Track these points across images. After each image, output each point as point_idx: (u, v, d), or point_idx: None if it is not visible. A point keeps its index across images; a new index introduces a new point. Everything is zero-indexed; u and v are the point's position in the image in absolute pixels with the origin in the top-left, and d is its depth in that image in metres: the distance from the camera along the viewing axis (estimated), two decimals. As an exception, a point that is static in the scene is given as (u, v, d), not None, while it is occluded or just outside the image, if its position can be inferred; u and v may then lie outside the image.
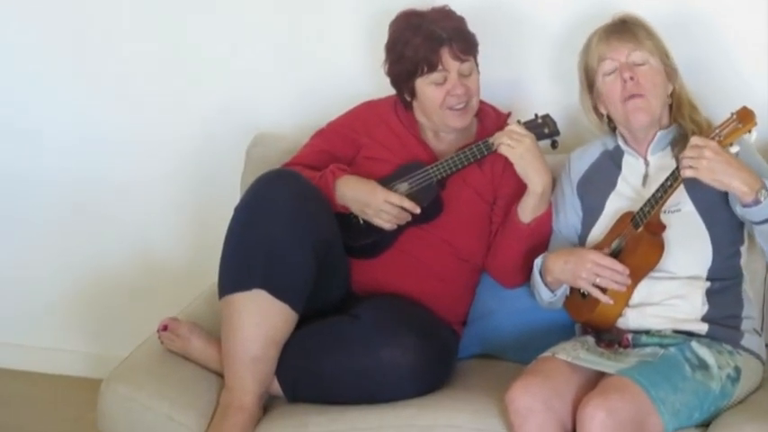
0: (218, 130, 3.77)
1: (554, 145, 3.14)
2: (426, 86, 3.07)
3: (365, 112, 3.26)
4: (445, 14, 3.10)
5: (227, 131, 3.74)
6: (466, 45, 3.07)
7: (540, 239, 3.07)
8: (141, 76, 3.82)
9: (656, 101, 2.90)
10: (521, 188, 3.04)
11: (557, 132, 3.12)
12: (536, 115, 3.13)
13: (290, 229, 2.88)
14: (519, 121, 3.07)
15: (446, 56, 3.04)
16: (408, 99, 3.15)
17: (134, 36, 3.80)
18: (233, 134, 3.68)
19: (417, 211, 3.03)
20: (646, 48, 2.89)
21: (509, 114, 3.20)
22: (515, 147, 2.97)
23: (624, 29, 2.89)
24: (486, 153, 3.06)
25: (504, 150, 2.99)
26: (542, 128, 3.10)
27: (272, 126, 3.61)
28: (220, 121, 3.76)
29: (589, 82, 2.98)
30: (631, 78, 2.86)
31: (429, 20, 3.07)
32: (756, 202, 2.69)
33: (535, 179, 2.99)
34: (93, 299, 4.06)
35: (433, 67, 3.04)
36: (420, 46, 3.04)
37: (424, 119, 3.15)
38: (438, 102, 3.07)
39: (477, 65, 3.12)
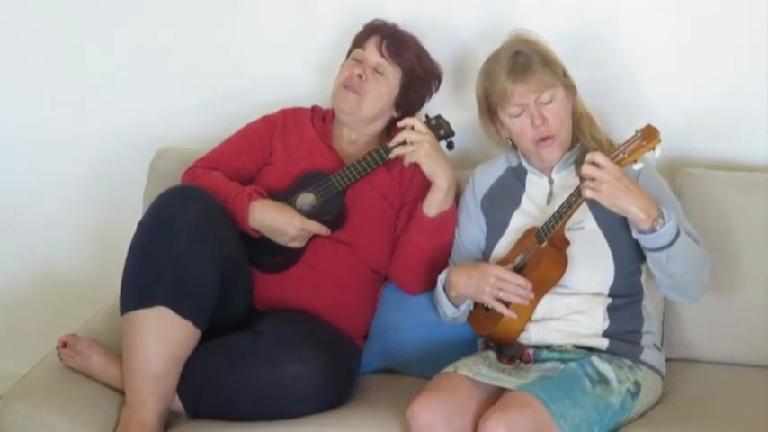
0: (121, 143, 3.72)
1: (450, 146, 3.17)
2: (345, 65, 3.22)
3: (288, 115, 3.31)
4: (402, 32, 3.25)
5: (130, 144, 3.69)
6: (396, 49, 3.17)
7: (444, 237, 3.09)
8: (42, 87, 3.77)
9: (566, 133, 2.94)
10: (425, 194, 3.08)
11: (452, 133, 3.17)
12: (427, 116, 3.18)
13: (194, 247, 2.86)
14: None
15: (372, 43, 3.19)
16: None
17: (37, 43, 3.74)
18: (136, 147, 3.64)
19: (328, 233, 3.05)
20: (549, 84, 2.89)
21: None
22: (418, 149, 3.01)
23: (526, 69, 2.87)
24: (385, 157, 3.09)
25: (410, 158, 3.03)
26: (437, 130, 3.15)
27: (176, 140, 3.57)
28: (124, 133, 3.71)
29: (490, 110, 2.98)
30: (543, 123, 2.88)
31: (389, 24, 3.25)
32: (652, 231, 2.72)
33: (441, 174, 3.03)
34: (-11, 313, 3.98)
35: (358, 45, 3.21)
36: (363, 32, 3.23)
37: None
38: (341, 79, 3.18)
39: (400, 88, 3.19)
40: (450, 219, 3.08)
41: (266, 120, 3.29)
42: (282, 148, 3.23)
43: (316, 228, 3.03)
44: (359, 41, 3.22)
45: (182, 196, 2.96)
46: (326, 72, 3.35)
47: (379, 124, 3.24)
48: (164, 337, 2.85)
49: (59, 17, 3.70)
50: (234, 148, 3.24)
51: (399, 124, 3.08)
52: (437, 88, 3.29)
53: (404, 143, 3.04)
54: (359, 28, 3.26)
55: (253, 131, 3.27)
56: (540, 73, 2.87)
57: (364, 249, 3.14)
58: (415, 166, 3.06)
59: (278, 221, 3.01)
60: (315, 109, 3.32)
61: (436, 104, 3.30)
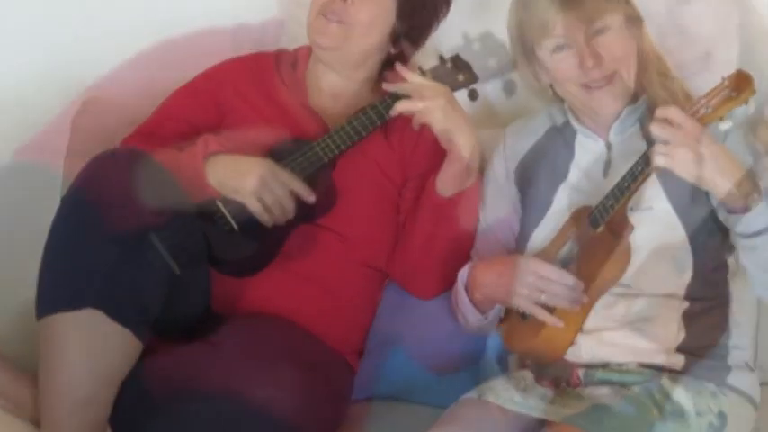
0: (34, 93, 3.36)
1: (472, 96, 2.82)
2: None
3: (237, 67, 2.98)
4: None
5: (46, 95, 3.33)
6: None
7: (464, 222, 2.78)
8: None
9: (627, 77, 2.64)
10: (436, 166, 2.76)
11: (474, 78, 2.80)
12: (441, 58, 2.81)
13: (135, 232, 2.55)
14: (421, 70, 2.74)
15: None
16: None
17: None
18: (54, 98, 3.28)
19: (312, 199, 2.71)
20: (605, 10, 2.60)
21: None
22: (432, 110, 2.66)
23: None
24: (384, 116, 2.76)
25: (419, 119, 2.69)
26: (454, 75, 2.79)
27: (107, 89, 3.24)
28: (38, 81, 3.35)
29: (526, 47, 2.67)
30: (596, 64, 2.60)
31: None
32: (745, 210, 2.42)
33: (461, 141, 2.68)
34: None
35: None
36: None
37: None
38: (317, 4, 2.82)
39: (397, 12, 2.81)
40: (472, 198, 2.78)
41: (207, 76, 2.99)
42: (241, 109, 2.93)
43: (285, 177, 2.68)
44: None
45: (119, 165, 2.61)
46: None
47: (373, 65, 2.89)
48: (94, 349, 2.53)
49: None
50: (167, 115, 2.97)
51: (399, 68, 2.76)
52: (445, 14, 2.93)
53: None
54: None
55: (191, 92, 2.98)
56: None
57: (358, 239, 2.85)
58: (423, 127, 2.72)
59: (241, 163, 2.69)
60: (279, 54, 3.00)
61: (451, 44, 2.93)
